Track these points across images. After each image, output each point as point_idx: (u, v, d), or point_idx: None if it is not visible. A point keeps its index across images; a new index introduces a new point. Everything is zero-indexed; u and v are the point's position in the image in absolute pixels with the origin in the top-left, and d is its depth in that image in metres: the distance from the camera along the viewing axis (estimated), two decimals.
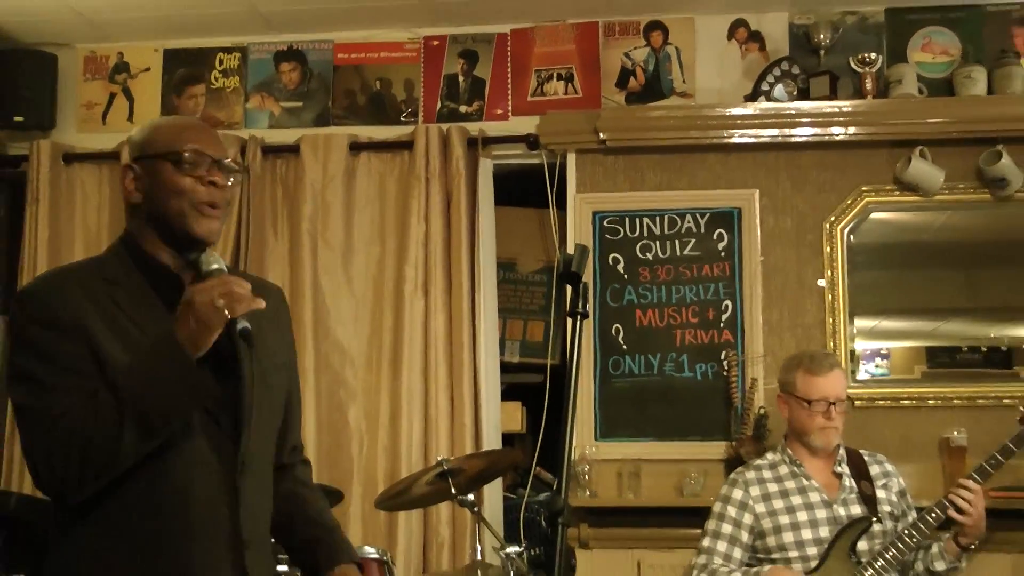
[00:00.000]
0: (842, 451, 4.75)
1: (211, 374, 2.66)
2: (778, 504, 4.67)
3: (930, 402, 5.67)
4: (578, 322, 2.98)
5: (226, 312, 2.57)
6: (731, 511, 4.73)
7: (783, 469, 4.75)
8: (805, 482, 4.69)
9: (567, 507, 2.82)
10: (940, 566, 4.62)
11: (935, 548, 4.63)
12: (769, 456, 4.85)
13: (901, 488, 4.82)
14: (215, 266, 2.70)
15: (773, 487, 4.71)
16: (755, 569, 4.58)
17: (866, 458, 4.82)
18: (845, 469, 4.73)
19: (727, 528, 4.71)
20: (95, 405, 2.55)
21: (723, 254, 5.85)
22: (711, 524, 4.76)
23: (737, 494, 4.75)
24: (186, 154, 2.75)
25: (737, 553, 4.69)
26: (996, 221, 5.80)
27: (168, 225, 2.77)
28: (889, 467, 4.86)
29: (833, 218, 5.80)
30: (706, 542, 4.73)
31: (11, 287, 6.23)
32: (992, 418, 5.46)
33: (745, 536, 4.69)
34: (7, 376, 2.69)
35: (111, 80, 6.40)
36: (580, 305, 2.98)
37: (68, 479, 2.56)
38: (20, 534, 3.98)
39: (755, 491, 4.72)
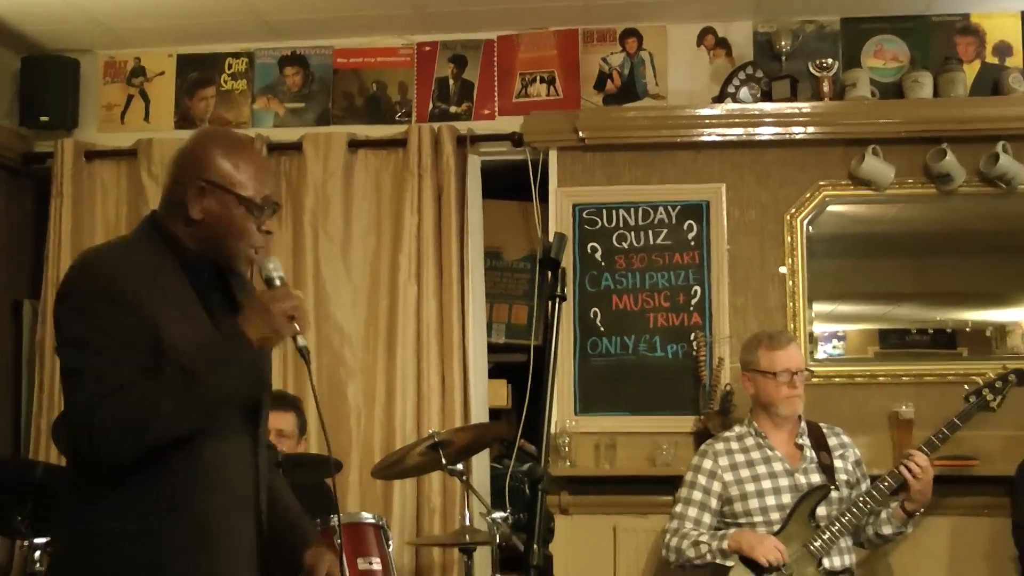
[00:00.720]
0: (803, 424, 4.76)
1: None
2: (744, 473, 4.68)
3: (881, 379, 5.65)
4: (557, 304, 2.95)
5: (296, 327, 2.65)
6: (701, 479, 4.73)
7: (749, 441, 4.76)
8: (769, 452, 4.69)
9: (547, 475, 2.78)
10: (887, 530, 4.64)
11: (884, 514, 4.64)
12: (736, 429, 4.86)
13: (857, 458, 4.83)
14: (277, 274, 2.73)
15: (740, 457, 4.72)
16: (722, 532, 4.58)
17: (825, 431, 4.83)
18: (806, 441, 4.73)
19: (697, 495, 4.72)
20: (165, 380, 2.53)
21: (692, 243, 5.80)
22: (683, 491, 4.76)
23: (707, 464, 4.75)
24: (262, 205, 2.75)
25: (706, 518, 4.69)
26: (942, 213, 5.76)
27: (218, 251, 2.76)
28: (846, 439, 4.86)
29: (793, 210, 5.76)
30: (678, 507, 4.74)
31: (37, 274, 6.17)
32: (937, 393, 5.46)
33: (714, 502, 4.70)
34: (63, 341, 2.63)
35: (129, 83, 6.32)
36: (559, 289, 2.96)
37: (124, 444, 2.52)
38: (46, 501, 3.96)
39: (723, 461, 4.73)
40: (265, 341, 2.63)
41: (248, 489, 2.79)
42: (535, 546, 2.82)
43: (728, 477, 4.70)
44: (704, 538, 4.56)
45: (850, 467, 4.78)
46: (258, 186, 2.76)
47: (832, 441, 4.81)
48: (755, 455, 4.72)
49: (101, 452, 2.54)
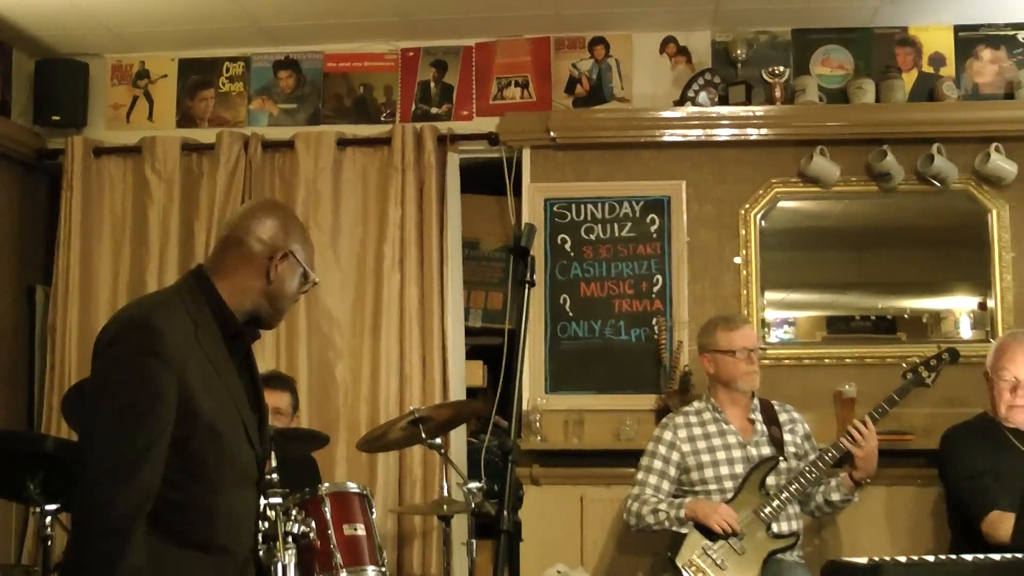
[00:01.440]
0: (756, 401, 4.78)
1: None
2: (701, 445, 4.69)
3: (827, 361, 5.65)
4: (526, 289, 2.96)
5: None
6: (662, 450, 4.74)
7: (706, 415, 4.77)
8: (725, 426, 4.71)
9: (516, 447, 2.80)
10: (836, 497, 4.67)
11: (833, 482, 4.66)
12: (695, 404, 4.87)
13: (805, 432, 4.85)
14: None
15: (697, 430, 4.73)
16: (679, 501, 4.59)
17: (776, 407, 4.85)
18: (758, 416, 4.75)
19: (658, 464, 4.73)
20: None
21: (655, 235, 5.78)
22: (645, 460, 4.78)
23: (667, 436, 4.76)
24: (313, 280, 2.96)
25: (666, 485, 4.70)
26: (882, 209, 5.75)
27: (273, 307, 2.89)
28: (795, 415, 4.88)
29: (748, 205, 5.74)
30: (640, 475, 4.75)
31: (49, 261, 6.13)
32: (877, 374, 5.47)
33: (673, 471, 4.71)
34: (102, 386, 2.62)
35: (134, 85, 6.25)
36: (528, 275, 2.96)
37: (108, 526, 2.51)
38: (56, 471, 3.96)
39: (682, 433, 4.74)
40: None
41: (250, 520, 2.87)
42: (505, 512, 2.83)
43: (686, 448, 4.71)
44: (663, 506, 4.58)
45: (799, 440, 4.80)
46: (313, 263, 2.96)
47: (782, 417, 4.83)
48: (711, 428, 4.74)
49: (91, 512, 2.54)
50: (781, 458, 4.65)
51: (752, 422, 4.76)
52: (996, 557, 3.27)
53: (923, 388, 4.81)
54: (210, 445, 2.66)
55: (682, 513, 4.51)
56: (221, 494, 2.69)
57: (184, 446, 2.61)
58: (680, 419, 4.81)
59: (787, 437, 4.75)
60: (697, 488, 4.65)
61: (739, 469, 4.63)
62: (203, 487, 2.65)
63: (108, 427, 2.56)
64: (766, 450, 4.67)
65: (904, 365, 4.88)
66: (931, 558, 2.89)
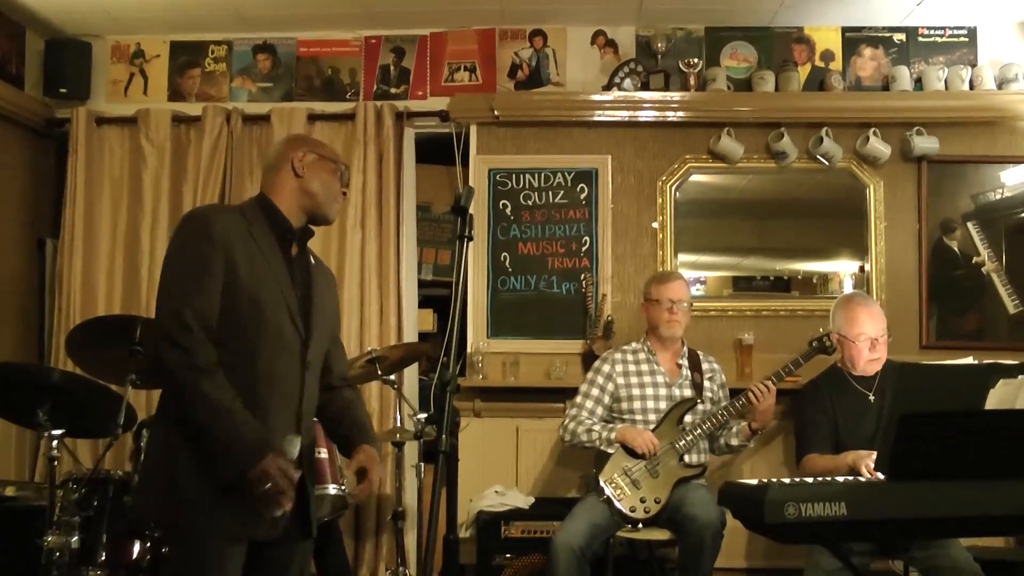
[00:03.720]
0: (685, 349, 4.64)
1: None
2: (633, 380, 4.55)
3: (730, 313, 5.47)
4: (465, 243, 2.95)
5: (275, 505, 2.71)
6: (599, 380, 4.60)
7: (641, 355, 4.62)
8: (655, 367, 4.55)
9: (454, 379, 2.83)
10: (734, 442, 4.52)
11: (734, 429, 4.53)
12: (633, 345, 4.71)
13: (722, 382, 4.67)
14: (295, 453, 2.77)
15: (632, 367, 4.59)
16: (611, 425, 4.45)
17: (701, 357, 4.69)
18: (685, 362, 4.60)
19: (595, 391, 4.58)
20: (218, 396, 2.67)
21: (584, 202, 5.61)
22: (583, 387, 4.63)
23: (606, 368, 4.61)
24: (343, 171, 3.01)
25: (599, 410, 4.55)
26: (780, 184, 5.58)
27: (314, 202, 2.94)
28: (716, 366, 4.71)
29: (664, 178, 5.57)
30: (578, 399, 4.60)
31: (57, 217, 5.85)
32: (772, 324, 5.43)
33: (607, 399, 4.54)
34: (166, 259, 2.79)
35: (131, 63, 5.91)
36: (467, 230, 2.95)
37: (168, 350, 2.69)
38: (62, 400, 3.92)
39: (618, 368, 4.59)
40: (249, 485, 2.68)
41: (293, 388, 2.84)
42: (444, 435, 2.83)
43: (620, 380, 4.58)
44: (596, 427, 4.46)
45: (716, 388, 4.64)
46: (339, 156, 3.04)
47: (705, 366, 4.67)
48: (644, 367, 4.61)
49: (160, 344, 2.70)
50: (699, 400, 4.54)
51: (679, 366, 4.62)
52: (861, 479, 3.30)
53: (826, 355, 4.68)
54: (250, 314, 2.73)
55: (613, 435, 4.39)
56: (259, 357, 2.74)
57: (228, 312, 2.71)
58: (618, 355, 4.68)
59: (706, 384, 4.61)
60: (625, 416, 4.52)
61: (663, 405, 4.51)
62: (245, 350, 2.73)
63: (172, 285, 2.73)
64: (687, 392, 4.55)
65: (812, 335, 4.78)
66: (810, 480, 2.89)
